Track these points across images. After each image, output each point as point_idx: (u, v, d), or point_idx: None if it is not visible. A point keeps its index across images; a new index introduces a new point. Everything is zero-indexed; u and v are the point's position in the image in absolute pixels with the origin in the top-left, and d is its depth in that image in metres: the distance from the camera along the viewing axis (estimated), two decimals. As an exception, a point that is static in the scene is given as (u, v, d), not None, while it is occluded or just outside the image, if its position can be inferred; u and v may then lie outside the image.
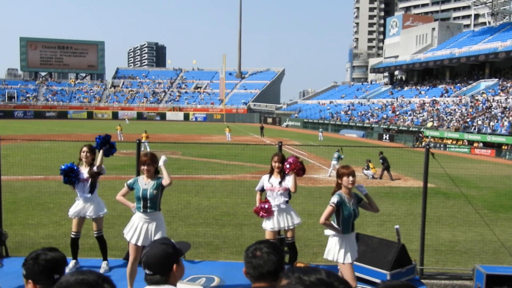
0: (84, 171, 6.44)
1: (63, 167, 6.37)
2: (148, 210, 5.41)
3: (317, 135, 45.67)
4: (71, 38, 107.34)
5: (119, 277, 5.88)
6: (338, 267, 5.27)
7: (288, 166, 5.97)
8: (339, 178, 5.17)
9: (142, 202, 5.41)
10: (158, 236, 5.37)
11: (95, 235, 6.60)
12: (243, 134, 46.97)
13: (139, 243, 5.38)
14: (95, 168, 6.43)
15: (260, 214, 6.11)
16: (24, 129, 46.32)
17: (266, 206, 6.05)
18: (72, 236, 6.54)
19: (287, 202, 6.16)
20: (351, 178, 5.07)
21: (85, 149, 6.47)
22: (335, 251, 5.19)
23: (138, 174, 5.86)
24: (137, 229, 5.43)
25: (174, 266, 2.30)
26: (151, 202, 5.40)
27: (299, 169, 6.01)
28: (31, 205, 12.07)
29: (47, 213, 11.30)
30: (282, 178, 6.14)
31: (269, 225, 6.13)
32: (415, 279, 6.64)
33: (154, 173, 5.49)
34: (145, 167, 5.39)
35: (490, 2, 59.41)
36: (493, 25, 59.34)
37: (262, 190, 6.30)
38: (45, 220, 10.60)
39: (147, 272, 2.29)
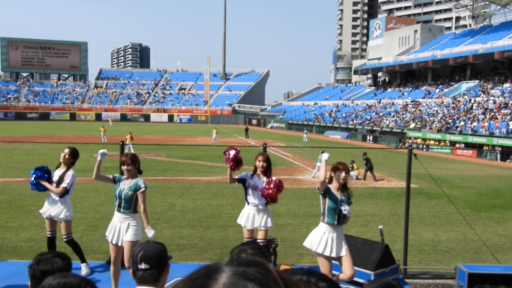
0: (58, 173, 6.38)
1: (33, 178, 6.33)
2: (122, 210, 5.45)
3: (301, 136, 45.85)
4: (54, 39, 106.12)
5: (102, 280, 5.82)
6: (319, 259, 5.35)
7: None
8: (332, 171, 5.32)
9: (118, 201, 5.47)
10: (128, 238, 5.37)
11: (64, 239, 6.52)
12: (228, 136, 46.91)
13: (113, 242, 5.45)
14: (65, 184, 6.40)
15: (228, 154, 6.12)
16: (5, 131, 45.56)
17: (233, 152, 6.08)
18: (47, 235, 6.56)
19: (266, 204, 6.17)
20: (343, 174, 5.30)
21: (66, 150, 6.44)
22: (315, 239, 5.30)
23: (122, 175, 5.83)
24: (113, 228, 5.49)
25: (167, 265, 2.34)
26: (125, 203, 5.43)
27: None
28: (12, 208, 11.86)
29: (29, 216, 11.12)
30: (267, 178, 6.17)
31: (242, 222, 6.19)
32: (399, 278, 6.71)
33: (136, 174, 5.51)
34: (125, 167, 5.43)
35: (470, 5, 60.39)
36: (474, 28, 60.31)
37: (239, 181, 6.27)
38: (26, 223, 10.42)
39: (143, 266, 2.26)
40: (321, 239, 5.27)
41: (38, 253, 2.39)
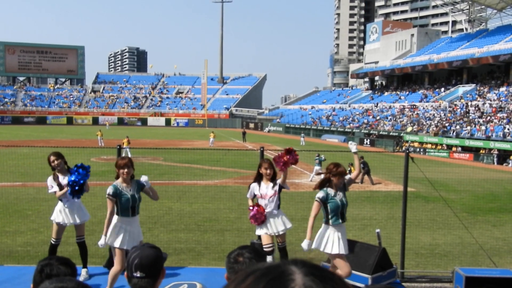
0: (64, 181, 6.30)
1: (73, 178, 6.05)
2: (136, 214, 5.47)
3: (299, 140, 45.87)
4: (50, 43, 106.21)
5: (99, 285, 5.79)
6: (330, 260, 5.43)
7: (282, 163, 6.04)
8: (334, 176, 5.38)
9: (130, 209, 5.41)
10: (140, 238, 5.47)
11: (77, 240, 6.49)
12: (225, 140, 46.90)
13: (126, 247, 5.33)
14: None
15: (252, 222, 6.13)
16: (1, 135, 45.43)
17: (256, 213, 6.07)
18: (53, 242, 6.44)
19: (278, 207, 6.23)
20: (341, 179, 5.48)
21: (52, 158, 6.32)
22: (324, 241, 5.40)
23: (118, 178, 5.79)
24: (125, 233, 5.39)
25: (163, 270, 2.33)
26: (138, 207, 5.50)
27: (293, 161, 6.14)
28: (8, 212, 11.82)
29: (25, 220, 11.09)
30: (274, 184, 6.18)
31: (263, 231, 6.18)
32: (396, 282, 6.71)
33: (130, 177, 5.51)
34: (126, 170, 5.36)
35: (467, 9, 60.68)
36: (470, 32, 60.59)
37: (254, 196, 6.33)
38: (22, 227, 10.39)
39: (139, 275, 2.26)
40: (333, 240, 5.38)
41: (34, 258, 2.38)
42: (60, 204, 6.38)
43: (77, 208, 6.38)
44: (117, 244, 5.38)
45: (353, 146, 5.79)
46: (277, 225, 6.13)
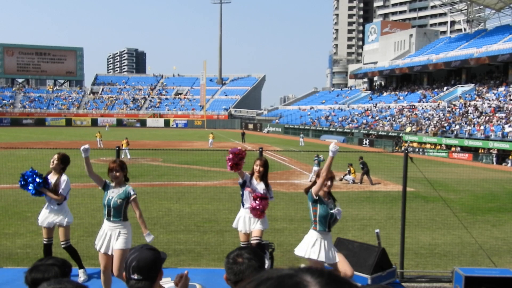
0: (53, 179, 6.31)
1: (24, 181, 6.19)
2: (112, 219, 5.37)
3: (298, 140, 45.87)
4: (49, 44, 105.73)
5: (98, 286, 5.79)
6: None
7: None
8: (317, 177, 5.27)
9: (106, 209, 5.38)
10: (118, 246, 5.30)
11: (62, 246, 6.45)
12: (224, 140, 46.89)
13: (102, 250, 5.37)
14: (61, 190, 6.29)
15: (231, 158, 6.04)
16: (0, 137, 45.38)
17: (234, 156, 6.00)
18: (44, 242, 6.48)
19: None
20: (328, 183, 5.19)
21: (55, 156, 6.37)
22: (309, 247, 5.29)
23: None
24: (102, 236, 5.42)
25: (160, 272, 2.32)
26: (114, 211, 5.34)
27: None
28: (7, 214, 11.81)
29: (24, 222, 11.08)
30: (265, 184, 6.17)
31: (239, 226, 6.21)
32: (396, 282, 6.71)
33: (123, 181, 5.44)
34: (113, 174, 5.35)
35: (465, 10, 60.74)
36: (469, 32, 60.65)
37: (243, 181, 6.26)
38: (22, 229, 10.38)
39: (136, 277, 2.25)
40: (314, 245, 5.26)
41: (33, 260, 2.40)
42: (46, 206, 6.45)
43: (58, 211, 6.35)
44: (95, 243, 5.50)
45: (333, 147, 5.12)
46: (252, 224, 6.11)
